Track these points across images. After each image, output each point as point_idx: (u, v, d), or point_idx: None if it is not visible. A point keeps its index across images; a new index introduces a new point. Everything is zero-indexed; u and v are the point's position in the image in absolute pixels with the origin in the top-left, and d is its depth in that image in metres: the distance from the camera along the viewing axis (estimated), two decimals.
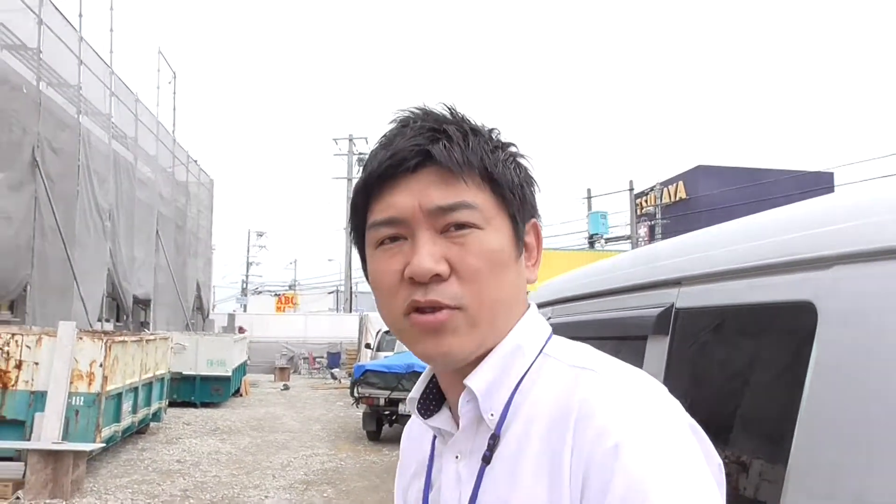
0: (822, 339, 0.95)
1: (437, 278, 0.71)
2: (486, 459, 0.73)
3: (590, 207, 28.21)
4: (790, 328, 1.08)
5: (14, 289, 11.45)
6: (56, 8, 13.01)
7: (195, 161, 24.82)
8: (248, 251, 49.77)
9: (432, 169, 0.73)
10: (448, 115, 0.77)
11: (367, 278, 0.80)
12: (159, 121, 20.35)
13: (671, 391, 1.11)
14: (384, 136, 0.78)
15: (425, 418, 0.82)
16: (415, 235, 0.73)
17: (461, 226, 0.72)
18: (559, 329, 2.22)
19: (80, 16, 14.19)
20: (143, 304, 18.85)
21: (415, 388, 0.84)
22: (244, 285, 48.98)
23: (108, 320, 15.78)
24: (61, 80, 13.57)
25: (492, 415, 0.74)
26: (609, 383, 0.70)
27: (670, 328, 1.40)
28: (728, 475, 0.80)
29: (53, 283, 12.47)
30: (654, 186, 29.42)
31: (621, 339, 1.63)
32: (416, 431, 0.92)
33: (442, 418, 0.81)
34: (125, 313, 17.42)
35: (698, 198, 27.63)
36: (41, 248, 12.00)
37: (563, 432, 0.68)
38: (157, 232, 19.31)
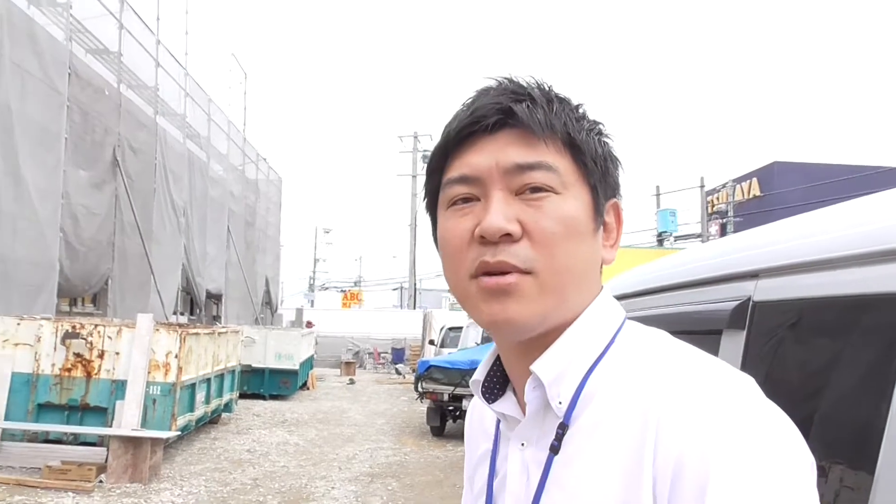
0: None
1: (508, 238, 0.68)
2: (555, 449, 0.69)
3: (658, 204, 27.59)
4: (880, 323, 1.01)
5: (96, 282, 12.03)
6: (135, 12, 13.59)
7: (264, 159, 25.51)
8: (316, 248, 50.84)
9: (513, 130, 0.71)
10: (534, 82, 0.74)
11: (436, 243, 0.78)
12: (230, 120, 21.01)
13: None
14: (465, 101, 0.75)
15: (489, 402, 0.78)
16: (488, 195, 0.70)
17: (537, 189, 0.69)
18: None
19: (158, 19, 14.79)
20: (214, 298, 19.50)
21: (478, 369, 0.80)
22: (311, 281, 50.07)
23: (182, 313, 16.40)
24: (140, 82, 14.17)
25: (560, 402, 0.70)
26: (697, 376, 0.64)
27: (747, 322, 1.34)
28: None
29: (132, 278, 13.05)
30: (727, 183, 28.51)
31: (694, 334, 1.57)
32: (480, 415, 0.89)
33: (507, 403, 0.77)
34: (198, 307, 18.07)
35: (774, 195, 26.59)
36: (121, 243, 12.57)
37: (642, 428, 0.63)
38: (229, 228, 19.94)
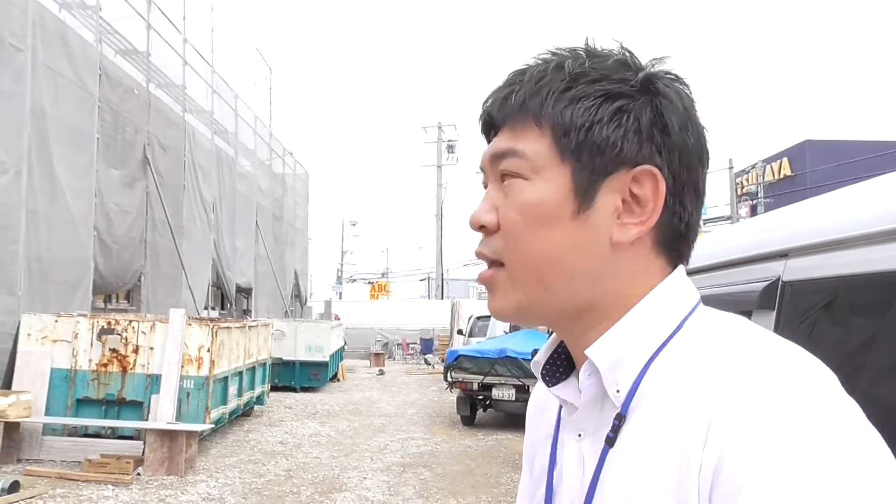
0: None
1: (485, 230, 0.70)
2: (610, 441, 0.65)
3: None
4: None
5: (130, 279, 12.26)
6: (162, 12, 13.76)
7: (291, 154, 25.70)
8: (343, 240, 51.17)
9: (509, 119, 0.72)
10: (551, 64, 0.69)
11: None
12: (257, 115, 21.20)
13: None
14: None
15: (550, 386, 0.75)
16: (487, 185, 0.73)
17: (506, 176, 0.69)
18: None
19: (184, 18, 14.94)
20: (244, 292, 19.74)
21: (541, 350, 0.77)
22: (339, 273, 50.43)
23: (213, 308, 16.64)
24: (168, 81, 14.36)
25: (617, 391, 0.65)
26: (761, 368, 0.57)
27: (777, 303, 1.32)
28: None
29: (164, 273, 13.28)
30: (756, 164, 28.04)
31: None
32: (543, 397, 0.84)
33: (568, 388, 0.73)
34: (229, 301, 18.32)
35: (805, 174, 26.08)
36: (152, 240, 12.79)
37: (698, 424, 0.57)
38: (257, 223, 20.15)
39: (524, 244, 0.67)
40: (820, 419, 0.52)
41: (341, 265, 50.96)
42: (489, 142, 0.74)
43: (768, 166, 28.27)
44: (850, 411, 0.54)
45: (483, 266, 0.72)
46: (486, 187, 0.73)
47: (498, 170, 0.70)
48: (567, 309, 0.69)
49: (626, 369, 0.65)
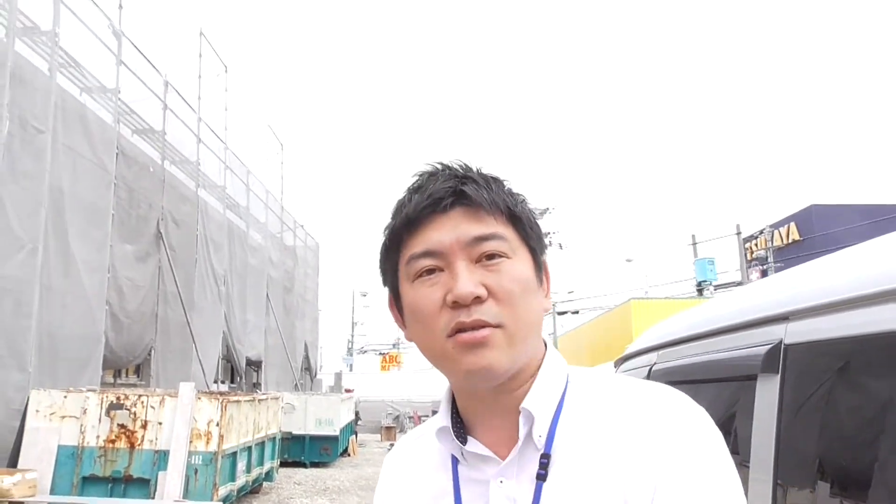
0: None
1: (478, 300, 0.78)
2: (542, 477, 0.78)
3: (695, 254, 27.23)
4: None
5: (140, 353, 12.26)
6: (179, 94, 14.26)
7: (301, 226, 26.03)
8: (353, 311, 51.07)
9: (464, 209, 0.82)
10: (469, 167, 0.87)
11: (399, 311, 0.88)
12: (268, 189, 21.60)
13: (786, 430, 1.15)
14: (411, 186, 0.87)
15: (463, 444, 0.85)
16: (452, 266, 0.80)
17: (492, 255, 0.81)
18: (666, 374, 2.14)
19: (199, 98, 15.47)
20: (254, 365, 19.64)
21: (440, 416, 0.88)
22: (350, 345, 50.12)
23: (223, 381, 16.53)
24: (182, 158, 14.75)
25: (540, 436, 0.80)
26: (649, 400, 0.80)
27: (780, 366, 1.32)
28: None
29: (174, 347, 13.27)
30: (764, 229, 28.08)
31: (730, 381, 1.56)
32: (418, 462, 0.93)
33: (478, 446, 0.84)
34: (239, 374, 18.21)
35: (813, 239, 26.08)
36: (164, 314, 12.85)
37: (628, 443, 0.77)
38: (268, 295, 20.23)
39: (521, 308, 0.81)
40: (710, 433, 0.78)
41: (352, 336, 50.71)
42: (414, 228, 0.83)
43: (776, 231, 28.32)
44: (715, 426, 0.80)
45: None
46: (435, 270, 0.81)
47: (478, 250, 0.81)
48: (523, 365, 0.83)
49: (545, 416, 0.81)
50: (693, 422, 0.78)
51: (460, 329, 0.78)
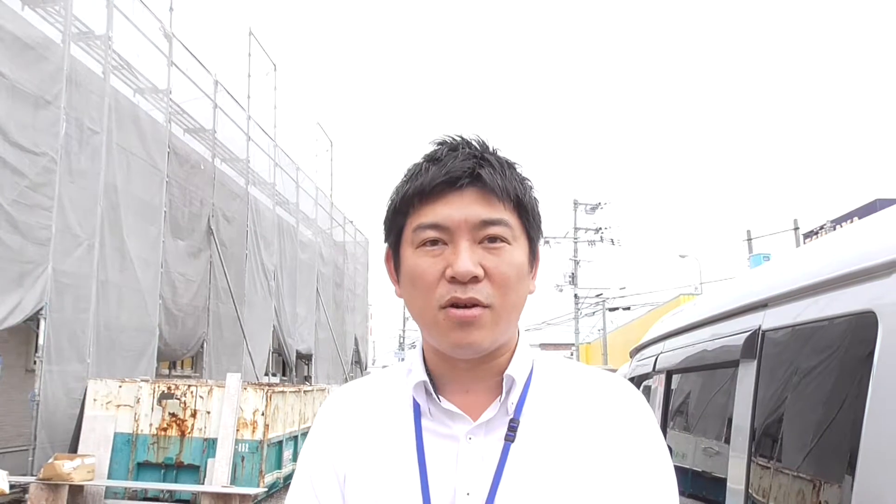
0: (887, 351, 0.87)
1: (475, 279, 0.84)
2: (510, 439, 0.87)
3: (751, 249, 26.49)
4: (859, 339, 0.99)
5: (193, 346, 12.67)
6: (228, 93, 14.63)
7: (351, 222, 26.37)
8: (404, 306, 51.42)
9: (477, 190, 0.87)
10: (487, 147, 0.92)
11: (396, 272, 0.93)
12: (318, 186, 21.95)
13: (760, 415, 1.27)
14: (432, 154, 0.91)
15: (440, 401, 0.90)
16: (456, 243, 0.86)
17: (495, 239, 0.86)
18: (668, 361, 2.13)
19: (249, 97, 15.83)
20: (305, 358, 20.02)
21: (416, 372, 0.93)
22: (401, 339, 50.54)
23: (274, 374, 16.91)
24: (232, 156, 15.12)
25: (512, 402, 0.89)
26: (605, 381, 0.94)
27: (757, 351, 1.32)
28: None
29: (226, 341, 13.66)
30: (825, 224, 27.11)
31: (717, 367, 1.55)
32: (373, 407, 0.95)
33: (451, 405, 0.90)
34: (289, 368, 18.60)
35: None
36: (215, 308, 13.24)
37: (586, 416, 0.88)
38: (318, 290, 20.59)
39: (512, 293, 0.87)
40: (650, 412, 0.93)
41: (403, 331, 51.14)
42: (426, 198, 0.87)
43: (837, 227, 27.33)
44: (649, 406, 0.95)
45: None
46: (438, 243, 0.86)
47: (483, 233, 0.86)
48: (503, 342, 0.90)
49: (517, 387, 0.90)
50: (639, 403, 0.92)
51: (454, 304, 0.84)
